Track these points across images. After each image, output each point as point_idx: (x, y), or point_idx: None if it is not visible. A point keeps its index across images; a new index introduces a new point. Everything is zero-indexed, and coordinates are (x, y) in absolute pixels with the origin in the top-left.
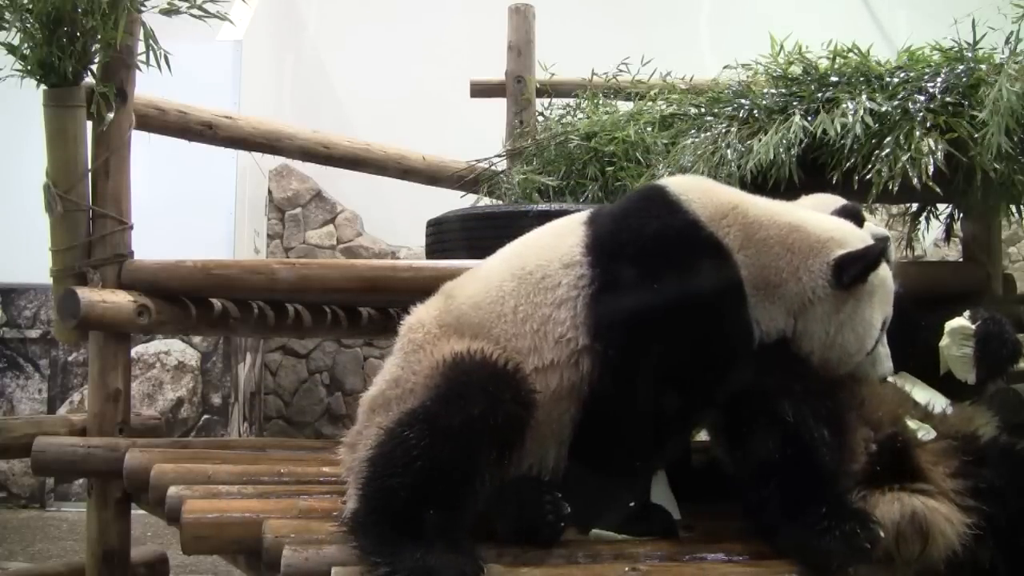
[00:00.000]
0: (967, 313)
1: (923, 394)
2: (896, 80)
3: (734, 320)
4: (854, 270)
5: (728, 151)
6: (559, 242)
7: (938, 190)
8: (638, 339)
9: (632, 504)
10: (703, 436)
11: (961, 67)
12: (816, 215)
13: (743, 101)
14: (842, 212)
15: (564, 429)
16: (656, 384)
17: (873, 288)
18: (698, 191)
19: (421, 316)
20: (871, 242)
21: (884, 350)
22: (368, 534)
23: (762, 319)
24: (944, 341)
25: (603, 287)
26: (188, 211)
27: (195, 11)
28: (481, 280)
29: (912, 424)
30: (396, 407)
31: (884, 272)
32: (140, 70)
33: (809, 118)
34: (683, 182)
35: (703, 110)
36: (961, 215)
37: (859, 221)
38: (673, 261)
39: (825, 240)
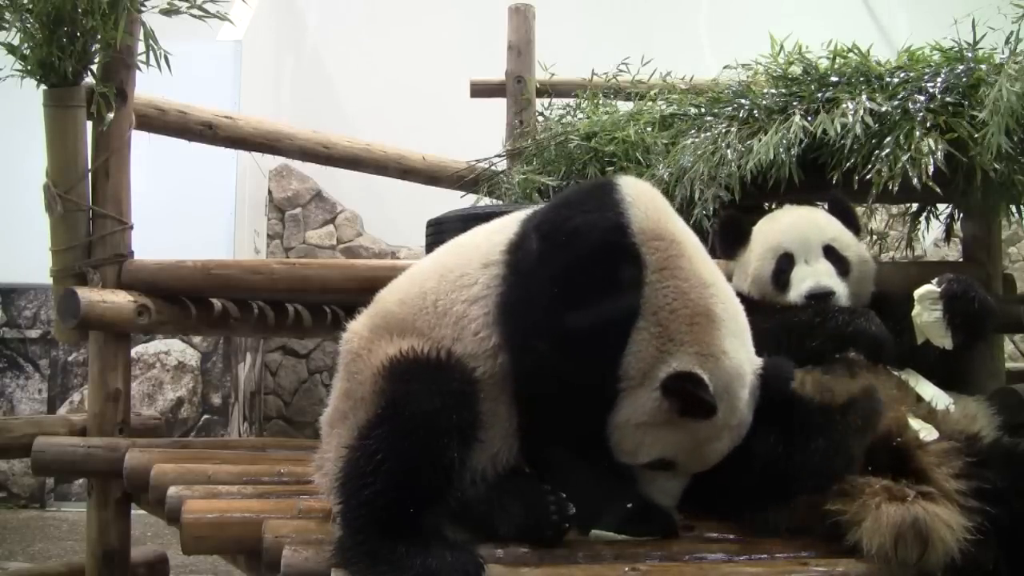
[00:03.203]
0: (935, 280)
1: (928, 390)
2: (896, 80)
3: (618, 330)
4: (677, 400)
5: (728, 151)
6: (488, 240)
7: (938, 190)
8: (538, 343)
9: (631, 504)
10: None
11: (961, 67)
12: (739, 331)
13: (743, 101)
14: (831, 207)
15: (510, 414)
16: (554, 392)
17: (685, 428)
18: (649, 201)
19: (354, 326)
20: (732, 387)
21: (665, 486)
22: (360, 557)
23: (636, 351)
24: (915, 310)
25: (511, 288)
26: (188, 211)
27: (195, 11)
28: (407, 278)
29: (915, 424)
30: (352, 418)
31: (702, 428)
32: (140, 70)
33: (809, 118)
34: (640, 187)
35: (703, 110)
36: (961, 215)
37: (849, 216)
38: (583, 260)
39: (705, 352)
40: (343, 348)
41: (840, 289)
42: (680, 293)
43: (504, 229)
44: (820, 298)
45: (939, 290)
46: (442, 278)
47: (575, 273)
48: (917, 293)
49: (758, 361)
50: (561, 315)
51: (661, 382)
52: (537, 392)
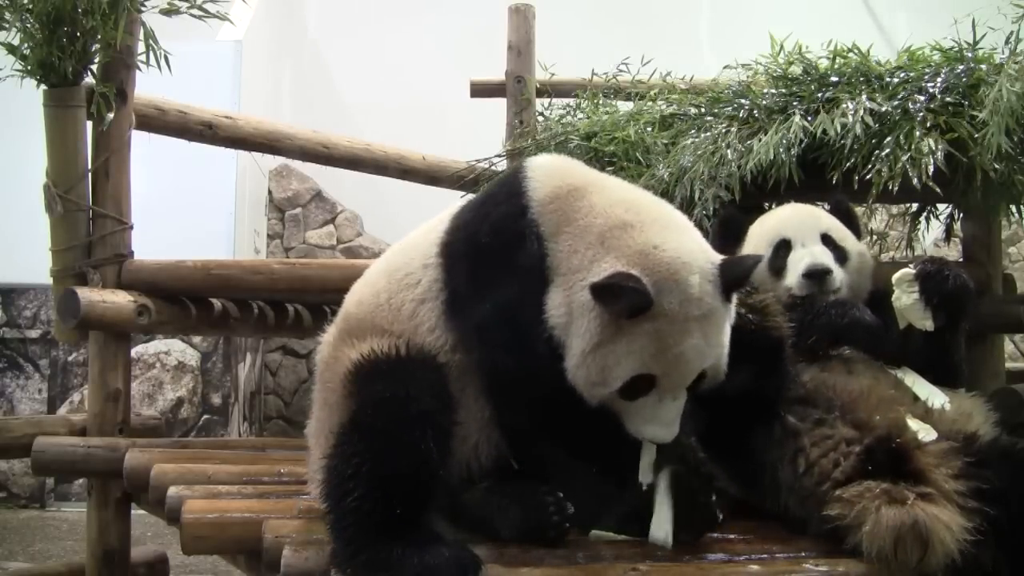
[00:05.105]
0: (912, 264)
1: (924, 389)
2: (896, 80)
3: (529, 314)
4: (610, 301)
5: (728, 151)
6: (426, 238)
7: (938, 190)
8: (481, 342)
9: (631, 504)
10: None
11: (961, 67)
12: (673, 227)
13: (743, 101)
14: (834, 208)
15: (479, 405)
16: (505, 385)
17: (642, 331)
18: (547, 171)
19: (325, 336)
20: (677, 275)
21: (656, 412)
22: (357, 564)
23: (551, 306)
24: (894, 294)
25: (452, 293)
26: (188, 211)
27: (195, 11)
28: (363, 280)
29: (913, 424)
30: (328, 426)
31: (661, 326)
32: (140, 70)
33: (809, 118)
34: (543, 162)
35: (703, 110)
36: (961, 215)
37: (851, 219)
38: (497, 255)
39: (628, 253)
40: (317, 358)
41: (837, 272)
42: (580, 230)
43: (437, 227)
44: (817, 276)
45: (914, 271)
46: (390, 277)
47: (495, 270)
48: (895, 277)
49: (716, 256)
50: (495, 312)
51: (589, 291)
52: (513, 389)
